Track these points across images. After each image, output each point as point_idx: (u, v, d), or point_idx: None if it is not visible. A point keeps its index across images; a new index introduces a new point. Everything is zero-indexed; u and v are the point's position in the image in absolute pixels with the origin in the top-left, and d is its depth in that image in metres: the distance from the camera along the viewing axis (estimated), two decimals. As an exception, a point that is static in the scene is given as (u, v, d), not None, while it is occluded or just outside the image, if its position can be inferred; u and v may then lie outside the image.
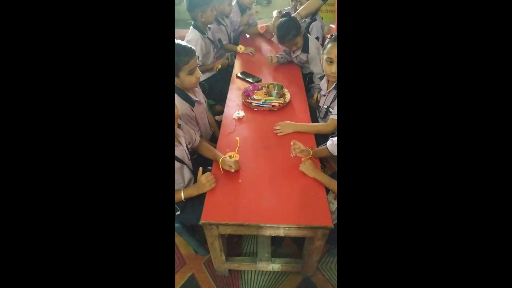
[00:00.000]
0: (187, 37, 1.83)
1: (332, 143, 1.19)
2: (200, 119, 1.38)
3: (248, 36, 2.44)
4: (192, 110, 1.30)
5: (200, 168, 1.09)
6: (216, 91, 1.94)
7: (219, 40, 2.10)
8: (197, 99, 1.33)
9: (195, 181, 1.18)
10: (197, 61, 1.23)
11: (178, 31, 3.80)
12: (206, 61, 1.92)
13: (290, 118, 1.41)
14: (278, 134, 1.32)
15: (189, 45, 1.18)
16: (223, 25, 2.16)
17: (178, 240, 1.47)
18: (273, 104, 1.49)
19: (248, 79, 1.76)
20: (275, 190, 1.07)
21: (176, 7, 4.35)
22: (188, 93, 1.29)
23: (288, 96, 1.56)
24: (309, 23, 2.07)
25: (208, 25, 1.91)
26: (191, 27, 1.85)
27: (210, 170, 1.15)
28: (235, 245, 1.43)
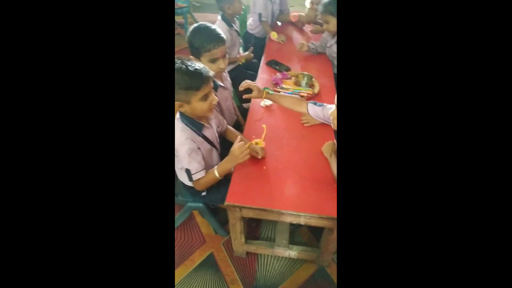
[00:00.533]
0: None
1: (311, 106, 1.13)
2: (224, 104, 1.41)
3: (279, 23, 2.41)
4: (215, 94, 1.28)
5: (239, 137, 1.07)
6: (241, 80, 1.95)
7: (259, 15, 2.07)
8: (221, 84, 1.34)
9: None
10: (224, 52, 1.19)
11: (206, 15, 3.82)
12: (231, 53, 1.91)
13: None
14: (304, 125, 1.32)
15: (218, 33, 1.17)
16: (270, 1, 2.13)
17: (200, 219, 1.54)
18: (301, 94, 1.49)
19: (277, 67, 1.75)
20: (298, 179, 1.08)
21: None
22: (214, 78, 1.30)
23: (317, 87, 1.54)
24: None
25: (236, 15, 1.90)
26: (219, 17, 1.86)
27: None
28: (254, 229, 1.48)
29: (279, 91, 1.51)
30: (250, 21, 2.24)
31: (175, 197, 1.30)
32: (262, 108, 1.44)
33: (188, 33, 1.21)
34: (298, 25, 2.33)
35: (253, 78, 1.86)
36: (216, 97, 1.06)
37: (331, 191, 1.04)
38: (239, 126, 1.52)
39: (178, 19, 3.37)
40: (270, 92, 1.20)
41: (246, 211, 1.05)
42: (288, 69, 1.74)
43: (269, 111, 1.43)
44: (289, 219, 1.03)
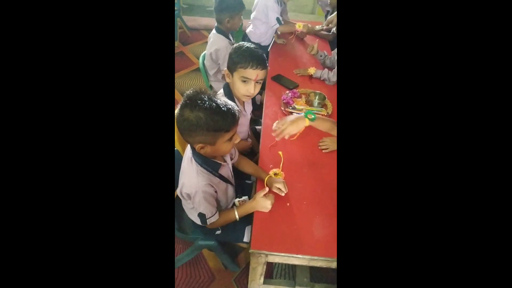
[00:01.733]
0: (212, 44, 1.69)
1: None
2: (239, 129, 1.28)
3: (279, 32, 2.31)
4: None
5: (267, 187, 1.00)
6: None
7: (278, 19, 1.94)
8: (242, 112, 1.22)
9: (236, 195, 1.11)
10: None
11: (197, 19, 3.65)
12: None
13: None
14: (323, 151, 1.23)
15: (262, 57, 1.06)
16: (278, 3, 2.00)
17: (206, 252, 1.40)
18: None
19: (284, 83, 1.65)
20: (327, 217, 0.99)
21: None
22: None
23: (330, 107, 1.46)
24: None
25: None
26: (214, 31, 1.71)
27: (250, 184, 1.08)
28: (268, 264, 1.36)
29: (291, 112, 1.40)
30: (251, 29, 2.11)
31: (184, 234, 1.16)
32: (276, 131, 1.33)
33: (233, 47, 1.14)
34: (300, 35, 2.25)
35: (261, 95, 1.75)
36: (239, 136, 0.94)
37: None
38: (253, 152, 1.41)
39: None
40: (312, 117, 1.05)
41: (273, 257, 0.94)
42: (296, 86, 1.64)
43: (283, 135, 1.32)
44: (320, 264, 0.93)
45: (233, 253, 1.28)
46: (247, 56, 1.05)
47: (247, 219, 1.02)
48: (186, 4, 4.26)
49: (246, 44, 1.12)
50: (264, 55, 1.13)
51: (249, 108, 1.28)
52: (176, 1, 3.17)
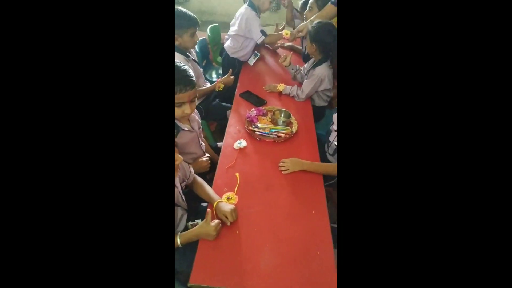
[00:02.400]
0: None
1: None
2: (188, 148, 1.21)
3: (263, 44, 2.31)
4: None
5: (208, 210, 0.94)
6: (214, 114, 1.79)
7: (262, 31, 1.93)
8: (184, 128, 1.14)
9: (188, 217, 1.04)
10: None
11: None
12: (198, 85, 1.70)
13: (297, 152, 1.27)
14: (283, 173, 1.18)
15: (189, 75, 1.01)
16: (258, 16, 2.00)
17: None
18: (278, 134, 1.35)
19: (251, 100, 1.61)
20: (277, 247, 0.92)
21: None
22: (176, 121, 1.12)
23: (295, 126, 1.42)
24: None
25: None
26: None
27: (205, 207, 1.02)
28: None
29: (254, 131, 1.36)
30: (229, 43, 2.07)
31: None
32: (235, 151, 1.28)
33: None
34: (271, 47, 2.24)
35: (226, 111, 1.71)
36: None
37: (316, 261, 0.89)
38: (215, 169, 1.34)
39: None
40: None
41: (214, 292, 0.86)
42: (264, 103, 1.61)
43: (243, 154, 1.27)
44: (266, 299, 0.86)
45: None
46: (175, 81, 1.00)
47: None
48: None
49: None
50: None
51: (196, 123, 1.23)
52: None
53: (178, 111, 1.05)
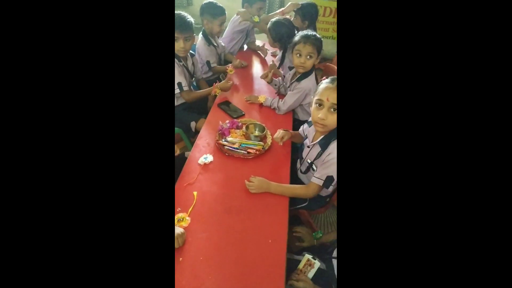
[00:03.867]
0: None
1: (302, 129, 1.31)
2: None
3: (245, 48, 2.24)
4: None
5: None
6: (179, 120, 1.68)
7: (207, 62, 1.89)
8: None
9: None
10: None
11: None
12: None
13: (265, 171, 1.18)
14: (250, 191, 1.09)
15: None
16: (214, 45, 1.95)
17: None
18: (249, 150, 1.27)
19: (229, 112, 1.53)
20: (221, 280, 0.83)
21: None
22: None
23: (269, 142, 1.33)
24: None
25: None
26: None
27: None
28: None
29: (223, 145, 1.28)
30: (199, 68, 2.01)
31: None
32: (199, 167, 1.20)
33: None
34: (262, 53, 2.17)
35: (190, 121, 1.64)
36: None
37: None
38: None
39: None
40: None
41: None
42: (241, 115, 1.52)
43: (207, 171, 1.19)
44: None
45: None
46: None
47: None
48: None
49: None
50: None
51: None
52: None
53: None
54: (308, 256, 1.02)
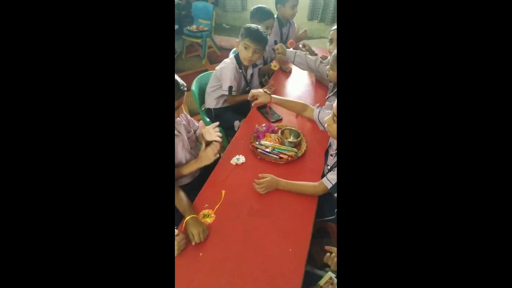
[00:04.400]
0: (223, 62, 1.70)
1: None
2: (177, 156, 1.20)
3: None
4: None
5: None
6: (225, 120, 1.70)
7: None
8: None
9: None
10: None
11: (230, 39, 3.75)
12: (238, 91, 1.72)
13: (295, 178, 1.15)
14: (258, 191, 1.09)
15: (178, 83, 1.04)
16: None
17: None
18: (281, 155, 1.26)
19: (267, 115, 1.54)
20: (238, 283, 0.84)
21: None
22: None
23: (304, 148, 1.30)
24: None
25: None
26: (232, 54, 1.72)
27: None
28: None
29: (256, 148, 1.29)
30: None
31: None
32: (231, 166, 1.22)
33: None
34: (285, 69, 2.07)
35: (233, 121, 1.67)
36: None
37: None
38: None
39: (197, 41, 3.33)
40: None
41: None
42: (278, 120, 1.52)
43: (238, 171, 1.21)
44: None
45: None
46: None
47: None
48: (229, 25, 4.45)
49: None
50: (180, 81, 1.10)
51: (182, 126, 1.21)
52: (208, 22, 3.32)
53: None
54: (331, 274, 0.98)
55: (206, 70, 3.16)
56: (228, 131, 1.75)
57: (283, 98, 1.37)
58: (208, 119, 1.80)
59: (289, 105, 1.36)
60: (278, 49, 1.72)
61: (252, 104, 1.39)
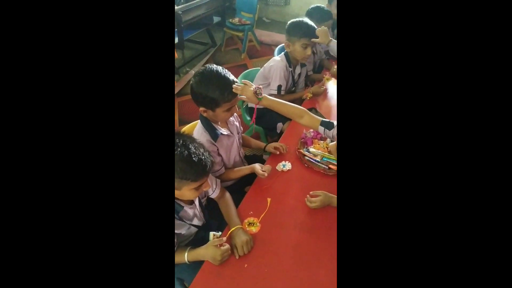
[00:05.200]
0: (271, 60, 1.60)
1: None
2: (225, 153, 1.16)
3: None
4: (213, 144, 1.08)
5: (212, 234, 0.88)
6: (269, 121, 1.64)
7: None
8: (224, 132, 1.10)
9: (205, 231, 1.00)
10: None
11: (271, 34, 3.66)
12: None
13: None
14: (309, 206, 1.02)
15: (231, 79, 1.00)
16: (313, 52, 1.85)
17: None
18: (330, 166, 1.18)
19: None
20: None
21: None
22: (214, 124, 1.09)
23: (353, 161, 1.21)
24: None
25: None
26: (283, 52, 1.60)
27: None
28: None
29: (304, 155, 1.22)
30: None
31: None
32: (277, 173, 1.17)
33: (194, 82, 1.02)
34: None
35: (277, 123, 1.60)
36: (209, 184, 0.92)
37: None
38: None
39: (238, 34, 3.28)
40: (260, 97, 1.03)
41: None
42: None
43: (284, 178, 1.15)
44: None
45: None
46: (224, 89, 1.01)
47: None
48: (269, 19, 4.36)
49: (208, 76, 1.01)
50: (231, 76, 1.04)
51: (234, 127, 1.18)
52: (251, 16, 3.25)
53: (227, 115, 1.07)
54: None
55: (245, 65, 3.15)
56: (268, 131, 1.70)
57: (277, 100, 1.06)
58: (248, 118, 1.75)
59: (282, 109, 1.06)
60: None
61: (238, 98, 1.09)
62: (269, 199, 1.05)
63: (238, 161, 1.22)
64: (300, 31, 1.44)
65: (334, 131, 1.01)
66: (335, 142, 1.04)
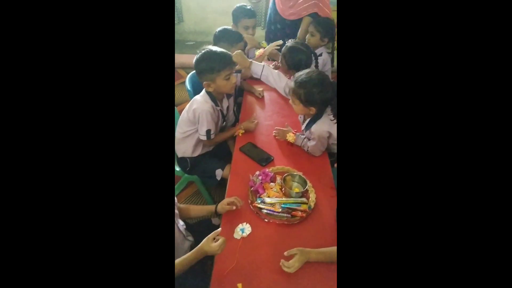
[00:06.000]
0: (192, 102, 1.37)
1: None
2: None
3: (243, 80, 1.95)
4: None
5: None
6: (203, 167, 1.44)
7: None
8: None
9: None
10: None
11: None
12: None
13: (317, 237, 0.95)
14: (287, 271, 0.85)
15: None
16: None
17: None
18: (293, 212, 1.03)
19: (254, 157, 1.29)
20: None
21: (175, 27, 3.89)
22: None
23: (313, 197, 1.10)
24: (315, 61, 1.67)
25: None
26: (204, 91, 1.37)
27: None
28: None
29: (260, 208, 1.04)
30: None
31: None
32: (236, 242, 0.95)
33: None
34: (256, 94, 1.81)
35: (215, 169, 1.41)
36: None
37: None
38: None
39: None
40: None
41: None
42: (270, 160, 1.28)
43: (246, 246, 0.94)
44: None
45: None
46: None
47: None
48: (192, 42, 3.88)
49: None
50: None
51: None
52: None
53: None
54: None
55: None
56: (205, 179, 1.46)
57: None
58: (179, 169, 1.47)
59: None
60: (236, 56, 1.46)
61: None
62: (239, 285, 0.83)
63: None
64: (217, 64, 1.25)
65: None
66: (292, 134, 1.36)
